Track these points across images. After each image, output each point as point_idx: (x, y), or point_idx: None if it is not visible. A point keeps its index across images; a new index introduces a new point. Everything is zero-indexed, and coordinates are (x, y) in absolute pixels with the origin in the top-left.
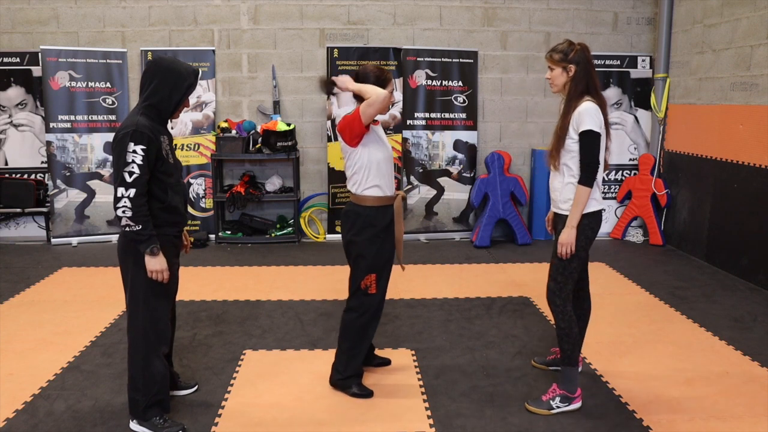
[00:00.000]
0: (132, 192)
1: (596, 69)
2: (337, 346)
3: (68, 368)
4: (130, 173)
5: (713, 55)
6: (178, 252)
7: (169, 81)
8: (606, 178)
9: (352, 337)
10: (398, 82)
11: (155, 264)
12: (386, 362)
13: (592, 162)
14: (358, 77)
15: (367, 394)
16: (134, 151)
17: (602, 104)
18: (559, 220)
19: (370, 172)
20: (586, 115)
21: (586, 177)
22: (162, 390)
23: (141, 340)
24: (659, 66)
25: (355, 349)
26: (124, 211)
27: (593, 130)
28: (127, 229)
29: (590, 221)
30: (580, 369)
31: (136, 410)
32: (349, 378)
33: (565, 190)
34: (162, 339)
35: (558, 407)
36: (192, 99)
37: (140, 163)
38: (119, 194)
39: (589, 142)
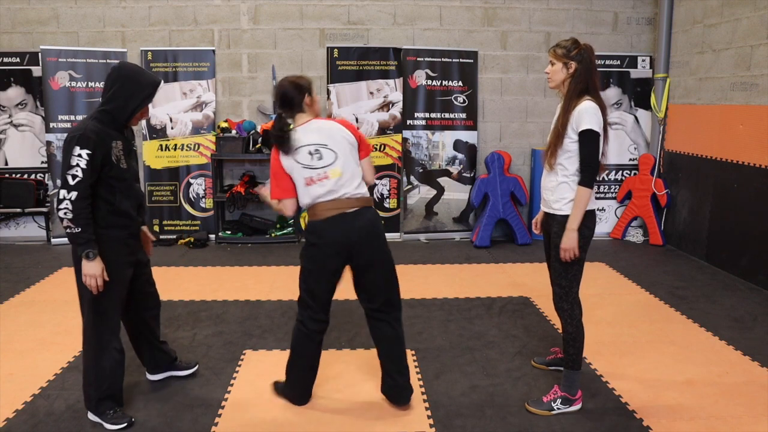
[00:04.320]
0: (74, 195)
1: (597, 70)
2: (406, 362)
3: (68, 368)
4: (74, 176)
5: (713, 55)
6: (134, 251)
7: (127, 89)
8: (606, 178)
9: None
10: (398, 82)
11: (90, 268)
12: None
13: (592, 162)
14: (293, 93)
15: None
16: (79, 155)
17: (601, 106)
18: (552, 221)
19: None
20: (586, 114)
21: (587, 178)
22: (113, 385)
23: (91, 336)
24: (659, 66)
25: None
26: (65, 213)
27: (593, 129)
28: (68, 230)
29: (585, 220)
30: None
31: (89, 403)
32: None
33: (558, 190)
34: (113, 332)
35: (559, 408)
36: (192, 99)
37: (84, 167)
38: (61, 196)
39: (589, 141)
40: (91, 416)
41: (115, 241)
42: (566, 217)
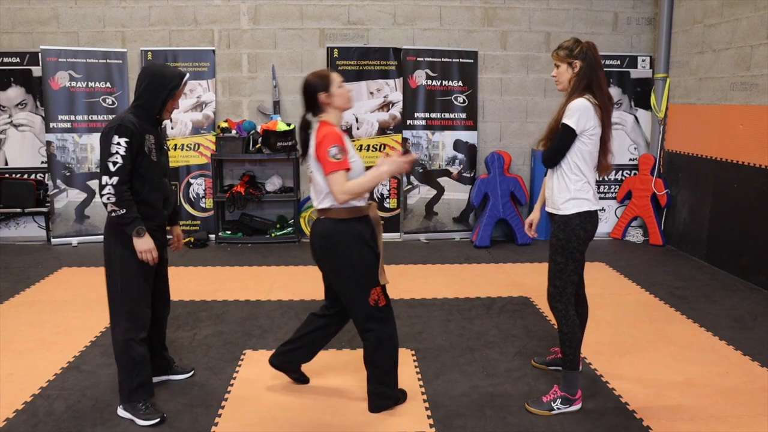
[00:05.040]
0: (115, 180)
1: (602, 67)
2: (375, 373)
3: (68, 368)
4: (114, 163)
5: (713, 55)
6: (159, 242)
7: (155, 83)
8: (606, 178)
9: (389, 354)
10: (398, 82)
11: (142, 244)
12: (305, 380)
13: (555, 153)
14: (306, 93)
15: (405, 395)
16: (118, 143)
17: (606, 103)
18: (553, 220)
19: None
20: (571, 110)
21: (545, 158)
22: (143, 371)
23: (121, 325)
24: (659, 66)
25: (396, 364)
26: (108, 198)
27: (568, 125)
28: (113, 214)
29: (582, 221)
30: (579, 369)
31: (122, 393)
32: (398, 391)
33: (556, 188)
34: (141, 323)
35: (559, 408)
36: (192, 99)
37: (123, 153)
38: (104, 182)
39: (561, 134)
40: (121, 412)
41: None
42: (565, 216)
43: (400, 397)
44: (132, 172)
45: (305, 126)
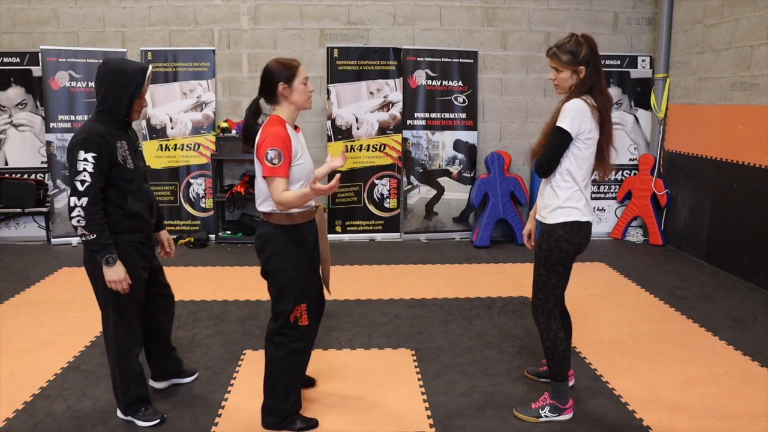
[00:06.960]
0: (84, 201)
1: (601, 62)
2: (266, 388)
3: (68, 368)
4: (82, 182)
5: (713, 55)
6: (147, 257)
7: (115, 83)
8: (606, 179)
9: (285, 373)
10: (398, 82)
11: (112, 274)
12: (311, 383)
13: (549, 159)
14: (265, 78)
15: (313, 424)
16: (85, 159)
17: (606, 105)
18: (540, 229)
19: (302, 185)
20: (566, 112)
21: (538, 166)
22: (139, 387)
23: (114, 342)
24: (659, 66)
25: (291, 385)
26: (78, 221)
27: (563, 128)
28: (83, 238)
29: (566, 232)
30: (572, 383)
31: (119, 405)
32: (289, 417)
33: (545, 196)
34: (135, 340)
35: (546, 417)
36: (192, 99)
37: (91, 171)
38: (72, 204)
39: (555, 138)
40: (120, 415)
41: (129, 247)
42: (550, 226)
43: (296, 421)
44: (108, 186)
45: (256, 112)
